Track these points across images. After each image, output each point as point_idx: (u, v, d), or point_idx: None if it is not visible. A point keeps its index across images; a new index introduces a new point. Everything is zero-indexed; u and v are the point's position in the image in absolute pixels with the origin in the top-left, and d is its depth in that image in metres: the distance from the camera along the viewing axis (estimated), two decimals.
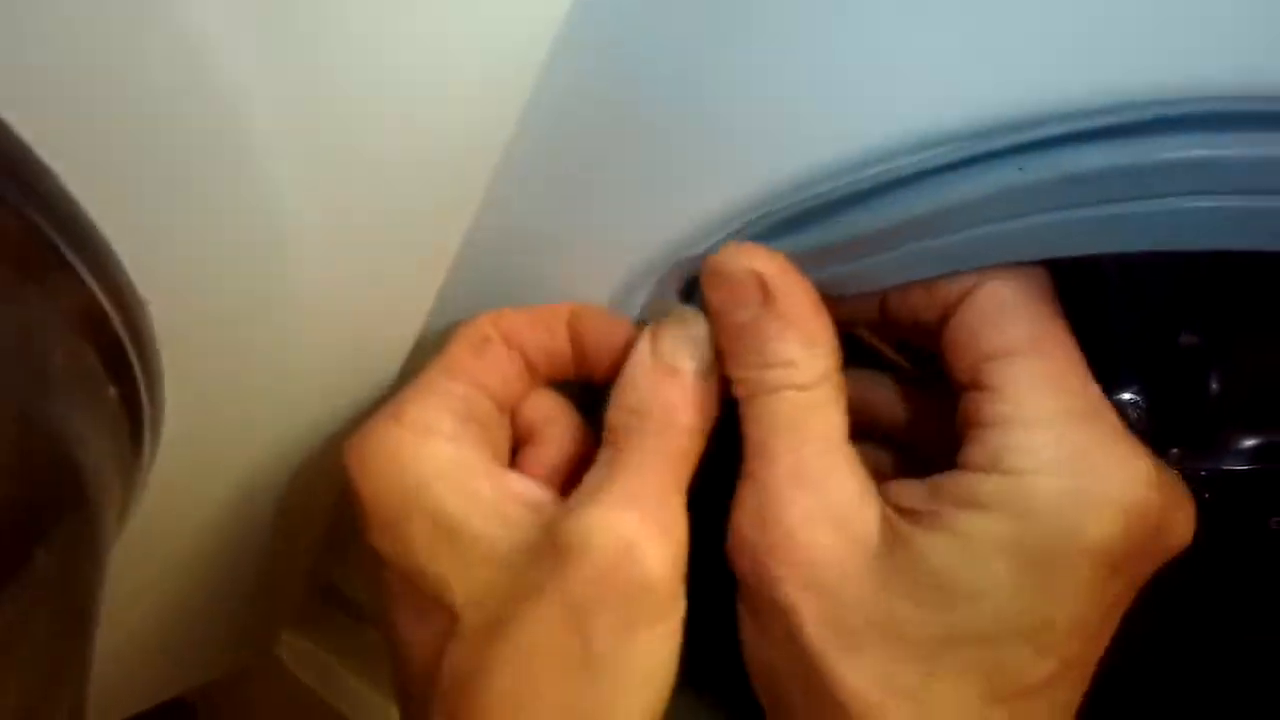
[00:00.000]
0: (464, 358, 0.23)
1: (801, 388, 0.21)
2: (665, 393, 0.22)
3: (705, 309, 0.23)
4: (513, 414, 0.25)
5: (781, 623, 0.20)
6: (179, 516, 0.32)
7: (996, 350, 0.20)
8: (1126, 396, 0.31)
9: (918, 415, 0.25)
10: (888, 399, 0.25)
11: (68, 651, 0.20)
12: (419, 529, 0.21)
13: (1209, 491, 0.28)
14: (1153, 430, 0.30)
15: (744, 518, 0.21)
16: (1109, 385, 0.22)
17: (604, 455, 0.22)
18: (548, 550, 0.20)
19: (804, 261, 0.23)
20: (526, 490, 0.23)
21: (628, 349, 0.23)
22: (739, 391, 0.22)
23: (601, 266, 0.25)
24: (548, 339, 0.24)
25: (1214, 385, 0.32)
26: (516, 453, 0.25)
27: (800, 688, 0.20)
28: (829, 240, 0.22)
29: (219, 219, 0.19)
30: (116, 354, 0.17)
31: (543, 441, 0.25)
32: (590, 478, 0.22)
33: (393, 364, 0.33)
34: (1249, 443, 0.33)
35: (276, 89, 0.17)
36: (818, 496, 0.20)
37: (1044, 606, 0.19)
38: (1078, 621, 0.19)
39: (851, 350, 0.23)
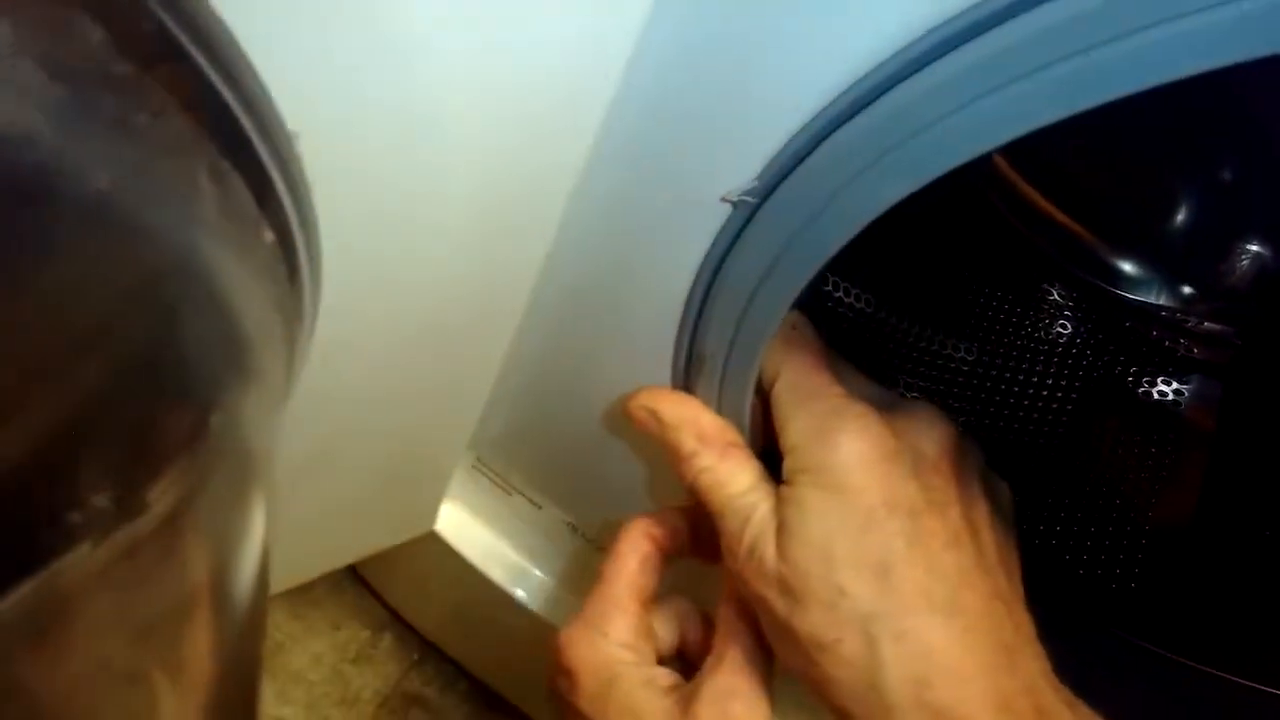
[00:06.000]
0: (636, 576, 0.35)
1: (707, 468, 0.32)
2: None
3: None
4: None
5: (765, 608, 0.31)
6: (345, 387, 0.32)
7: (771, 381, 0.33)
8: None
9: None
10: None
11: (248, 513, 0.20)
12: (613, 708, 0.32)
13: None
14: None
15: (724, 553, 0.33)
16: None
17: (715, 649, 0.34)
18: None
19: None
20: (668, 680, 0.33)
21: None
22: (681, 480, 0.33)
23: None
24: (680, 539, 0.36)
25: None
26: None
27: (786, 645, 0.31)
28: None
29: (368, 51, 0.17)
30: (268, 194, 0.16)
31: (685, 639, 0.37)
32: (706, 667, 0.33)
33: (542, 237, 0.32)
34: None
35: None
36: (751, 526, 0.31)
37: (863, 503, 0.29)
38: (896, 499, 0.29)
39: None
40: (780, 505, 0.31)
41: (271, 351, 0.18)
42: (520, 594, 0.56)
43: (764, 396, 0.33)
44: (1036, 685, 0.29)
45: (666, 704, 0.32)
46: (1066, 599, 0.41)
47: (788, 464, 0.31)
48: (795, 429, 0.31)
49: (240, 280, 0.15)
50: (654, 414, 0.34)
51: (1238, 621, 0.42)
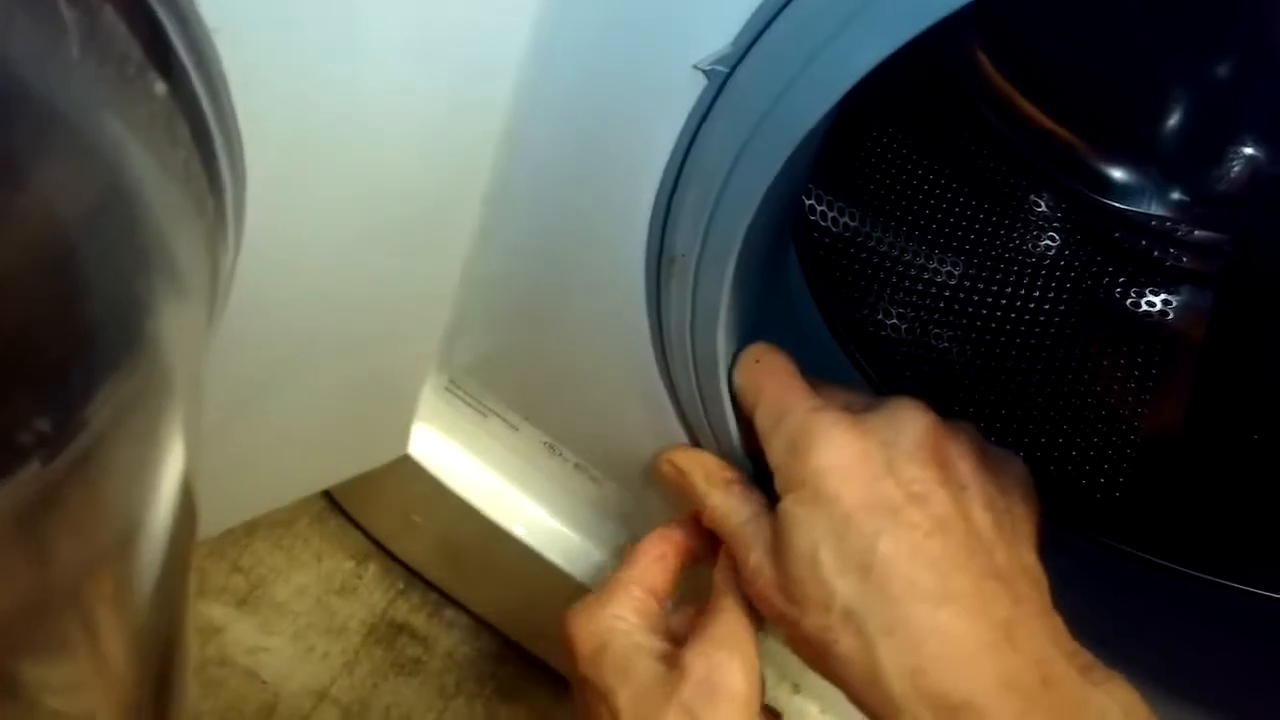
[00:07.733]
0: (646, 568, 0.38)
1: (715, 505, 0.36)
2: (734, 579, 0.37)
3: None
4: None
5: (779, 618, 0.33)
6: (294, 294, 0.30)
7: (751, 410, 0.35)
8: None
9: None
10: None
11: (171, 432, 0.19)
12: (607, 667, 0.34)
13: None
14: None
15: (740, 578, 0.35)
16: None
17: (705, 611, 0.36)
18: (674, 674, 0.33)
19: None
20: (662, 647, 0.36)
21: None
22: (703, 520, 0.37)
23: None
24: (696, 544, 0.39)
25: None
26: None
27: (804, 651, 0.33)
28: None
29: None
30: (153, 34, 0.13)
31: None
32: (698, 624, 0.36)
33: (494, 116, 0.29)
34: None
35: None
36: (755, 550, 0.34)
37: (840, 509, 0.31)
38: (871, 500, 0.31)
39: None
40: (774, 524, 0.33)
41: (180, 226, 0.16)
42: (499, 517, 0.55)
43: (750, 423, 0.35)
44: (1045, 655, 0.30)
45: (658, 664, 0.34)
46: (1056, 509, 0.41)
47: (775, 484, 0.33)
48: (775, 450, 0.33)
49: (121, 134, 0.13)
50: (674, 465, 0.38)
51: (1225, 527, 0.42)
